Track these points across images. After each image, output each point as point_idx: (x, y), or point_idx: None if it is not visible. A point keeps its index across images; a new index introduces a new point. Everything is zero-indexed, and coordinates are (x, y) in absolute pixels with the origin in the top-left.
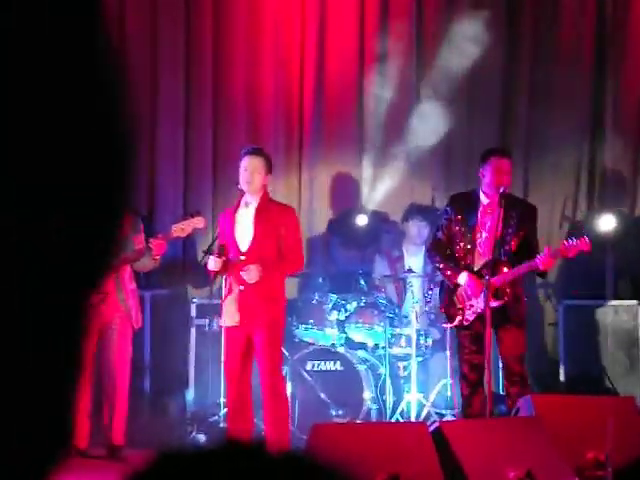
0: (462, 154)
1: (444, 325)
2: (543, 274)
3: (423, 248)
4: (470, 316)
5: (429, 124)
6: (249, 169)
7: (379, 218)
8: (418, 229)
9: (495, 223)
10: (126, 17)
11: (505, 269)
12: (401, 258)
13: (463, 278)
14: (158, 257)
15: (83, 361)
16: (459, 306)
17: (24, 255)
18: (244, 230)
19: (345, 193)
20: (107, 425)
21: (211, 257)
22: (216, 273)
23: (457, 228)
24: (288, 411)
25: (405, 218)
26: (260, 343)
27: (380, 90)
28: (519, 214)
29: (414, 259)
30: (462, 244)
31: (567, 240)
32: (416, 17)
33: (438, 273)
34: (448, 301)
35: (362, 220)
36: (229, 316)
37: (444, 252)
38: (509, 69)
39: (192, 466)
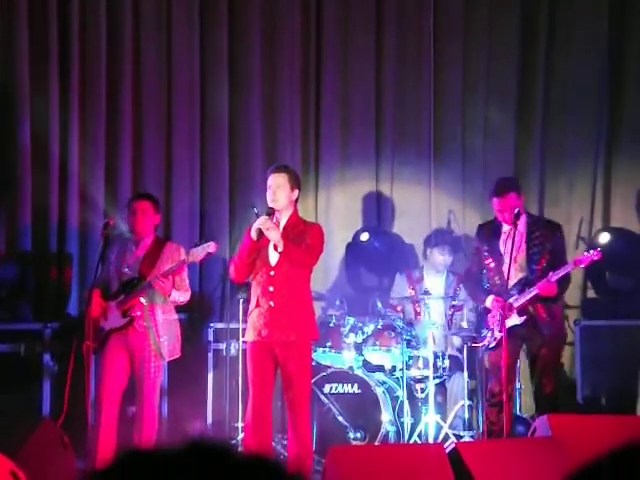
0: (478, 176)
1: (473, 345)
2: (553, 299)
3: (445, 271)
4: (498, 336)
5: (447, 146)
6: (272, 186)
7: (396, 239)
8: (444, 257)
9: (518, 246)
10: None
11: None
12: (421, 280)
13: (489, 301)
14: (168, 295)
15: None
16: (489, 327)
17: None
18: (273, 246)
19: (362, 214)
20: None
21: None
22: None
23: (486, 258)
24: (311, 431)
25: (430, 244)
26: (288, 361)
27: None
28: (543, 234)
29: (435, 281)
30: (493, 272)
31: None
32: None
33: (471, 300)
34: (479, 324)
35: (364, 237)
36: (255, 331)
37: (476, 281)
38: (523, 89)
39: (156, 466)
